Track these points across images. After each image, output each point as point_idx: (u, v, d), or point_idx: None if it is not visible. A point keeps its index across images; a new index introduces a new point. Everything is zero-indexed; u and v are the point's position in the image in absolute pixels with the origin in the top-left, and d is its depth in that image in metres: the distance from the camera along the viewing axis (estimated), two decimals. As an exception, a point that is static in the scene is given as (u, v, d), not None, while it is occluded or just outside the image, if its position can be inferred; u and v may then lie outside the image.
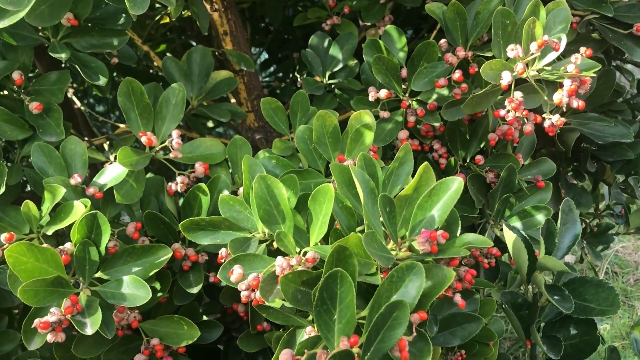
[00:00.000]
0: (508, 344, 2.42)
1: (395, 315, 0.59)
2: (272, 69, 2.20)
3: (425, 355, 0.64)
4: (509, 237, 0.75)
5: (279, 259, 0.70)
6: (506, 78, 0.83)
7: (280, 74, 2.08)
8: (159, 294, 0.87)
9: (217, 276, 0.72)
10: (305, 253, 0.72)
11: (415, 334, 0.63)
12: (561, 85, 0.84)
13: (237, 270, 0.71)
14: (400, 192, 0.72)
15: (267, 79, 2.20)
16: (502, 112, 0.87)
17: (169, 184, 0.93)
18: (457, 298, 0.70)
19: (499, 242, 1.08)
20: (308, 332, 0.76)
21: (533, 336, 0.79)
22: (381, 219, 0.76)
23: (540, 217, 0.99)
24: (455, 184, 0.68)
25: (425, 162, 0.71)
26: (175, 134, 0.90)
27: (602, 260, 2.40)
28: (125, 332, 0.87)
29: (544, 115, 0.88)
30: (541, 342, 0.75)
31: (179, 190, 0.92)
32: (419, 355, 0.64)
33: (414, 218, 0.69)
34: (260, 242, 0.82)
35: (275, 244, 0.86)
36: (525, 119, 0.90)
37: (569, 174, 1.44)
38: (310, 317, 0.80)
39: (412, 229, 0.70)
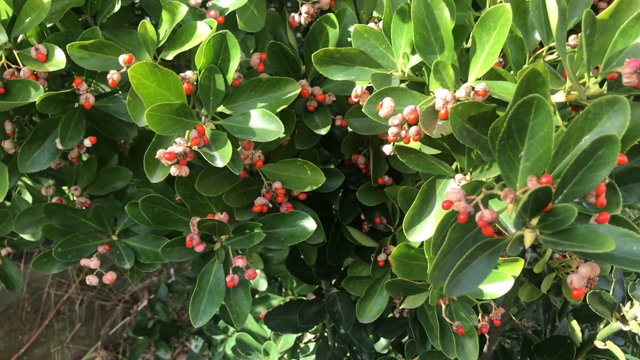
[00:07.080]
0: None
1: (601, 154, 0.49)
2: None
3: (614, 207, 0.55)
4: None
5: (440, 90, 0.60)
6: None
7: None
8: (282, 136, 0.80)
9: (363, 110, 0.63)
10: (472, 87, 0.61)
11: (607, 179, 0.54)
12: None
13: (387, 102, 0.62)
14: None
15: None
16: None
17: (292, 14, 0.82)
18: (658, 144, 0.60)
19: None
20: (458, 179, 0.67)
21: None
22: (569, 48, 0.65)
23: None
24: (676, 3, 0.54)
25: (632, -21, 0.57)
26: (302, -47, 0.78)
27: None
28: (245, 173, 0.81)
29: None
30: None
31: (302, 22, 0.81)
32: (608, 205, 0.55)
33: (613, 47, 0.57)
34: (401, 82, 0.72)
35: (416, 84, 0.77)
36: None
37: None
38: (454, 165, 0.72)
39: (608, 61, 0.57)
